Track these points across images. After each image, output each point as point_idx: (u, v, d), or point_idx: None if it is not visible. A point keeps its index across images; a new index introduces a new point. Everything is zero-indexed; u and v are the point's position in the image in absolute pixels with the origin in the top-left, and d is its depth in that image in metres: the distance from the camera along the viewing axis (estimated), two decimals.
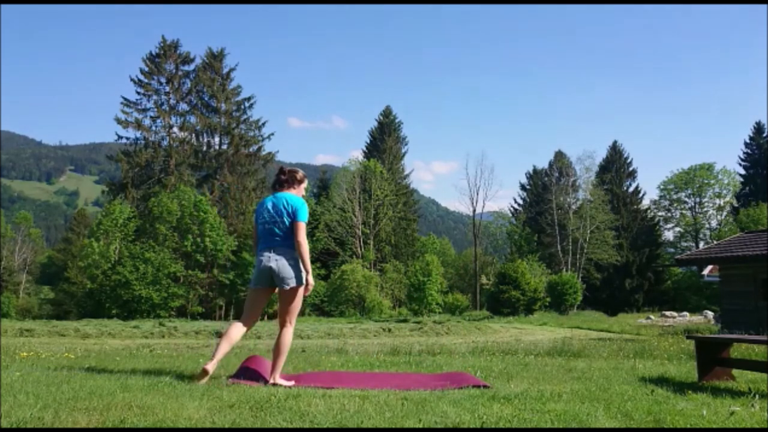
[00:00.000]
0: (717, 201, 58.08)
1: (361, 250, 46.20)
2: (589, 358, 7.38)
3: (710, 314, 34.13)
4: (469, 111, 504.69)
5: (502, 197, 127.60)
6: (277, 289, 4.25)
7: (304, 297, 4.32)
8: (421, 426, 2.72)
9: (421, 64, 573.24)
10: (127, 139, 42.81)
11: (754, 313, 14.74)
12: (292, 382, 4.12)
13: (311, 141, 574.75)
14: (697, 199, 58.44)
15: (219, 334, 20.23)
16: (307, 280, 4.22)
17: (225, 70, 46.03)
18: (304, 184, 4.57)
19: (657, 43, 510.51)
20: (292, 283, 4.17)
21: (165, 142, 43.97)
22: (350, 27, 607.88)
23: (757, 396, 3.66)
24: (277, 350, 4.15)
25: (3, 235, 52.99)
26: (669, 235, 59.93)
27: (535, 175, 57.21)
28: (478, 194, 49.83)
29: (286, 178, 4.48)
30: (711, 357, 4.66)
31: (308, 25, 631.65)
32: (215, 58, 45.77)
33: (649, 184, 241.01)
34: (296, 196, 4.41)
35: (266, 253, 4.21)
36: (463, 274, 57.77)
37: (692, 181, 57.43)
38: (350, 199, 46.46)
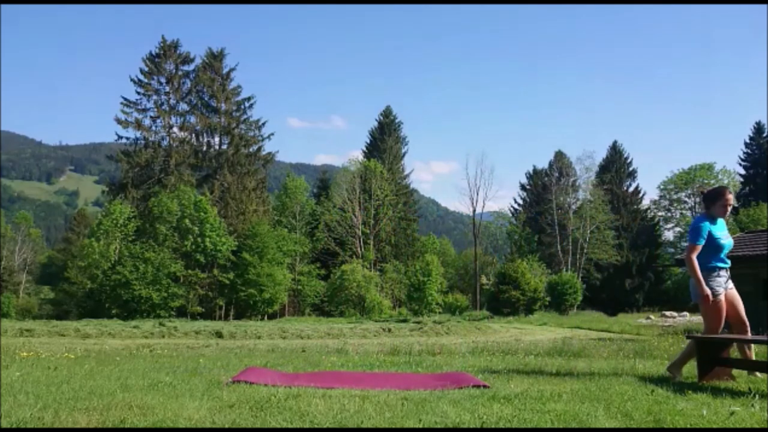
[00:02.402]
0: None
1: (361, 250, 46.21)
2: (589, 358, 7.39)
3: None
4: (469, 111, 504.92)
5: (502, 197, 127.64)
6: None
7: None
8: (421, 426, 2.72)
9: (422, 64, 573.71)
10: (127, 139, 42.88)
11: (754, 313, 14.68)
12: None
13: (311, 141, 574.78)
14: (697, 199, 58.41)
15: (219, 335, 20.23)
16: (701, 292, 4.54)
17: (225, 70, 46.09)
18: (721, 200, 4.71)
19: (657, 44, 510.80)
20: (692, 299, 4.75)
21: (165, 142, 44.02)
22: (350, 27, 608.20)
23: (757, 396, 3.65)
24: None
25: (3, 235, 53.02)
26: (669, 235, 59.98)
27: (535, 175, 57.19)
28: (478, 194, 49.85)
29: (701, 199, 4.95)
30: (711, 357, 4.66)
31: (308, 26, 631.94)
32: (215, 58, 45.79)
33: (649, 184, 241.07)
34: (696, 218, 4.76)
35: None
36: (463, 274, 57.75)
37: (692, 181, 57.41)
38: (350, 199, 46.46)
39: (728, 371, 4.60)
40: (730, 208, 4.73)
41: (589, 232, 48.08)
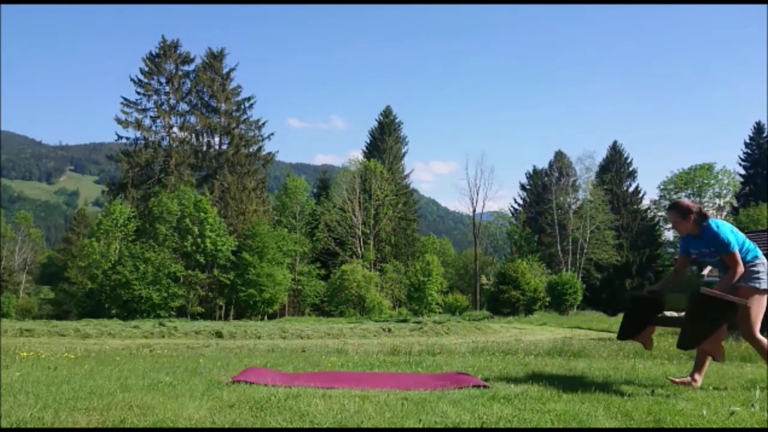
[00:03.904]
0: (717, 201, 58.04)
1: (361, 250, 46.20)
2: (589, 358, 7.39)
3: None
4: (469, 111, 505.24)
5: (502, 197, 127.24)
6: None
7: None
8: (421, 426, 2.72)
9: (421, 64, 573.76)
10: (127, 139, 42.90)
11: None
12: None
13: (311, 141, 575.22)
14: (697, 199, 58.35)
15: (219, 335, 20.24)
16: None
17: (225, 70, 46.10)
18: None
19: (657, 44, 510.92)
20: None
21: (165, 142, 44.03)
22: (350, 27, 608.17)
23: (757, 395, 3.66)
24: None
25: (3, 235, 53.00)
26: (669, 235, 59.87)
27: (535, 175, 57.19)
28: (478, 194, 49.84)
29: None
30: (638, 317, 4.65)
31: (308, 25, 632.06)
32: (215, 58, 45.79)
33: (649, 184, 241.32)
34: None
35: None
36: (463, 274, 57.74)
37: (692, 181, 57.37)
38: (350, 199, 46.46)
39: (648, 335, 4.67)
40: (677, 227, 4.38)
41: (589, 232, 48.08)
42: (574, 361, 6.51)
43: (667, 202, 59.97)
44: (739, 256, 4.06)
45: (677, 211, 4.32)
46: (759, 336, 4.08)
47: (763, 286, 4.07)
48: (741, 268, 4.03)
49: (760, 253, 4.20)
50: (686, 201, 4.33)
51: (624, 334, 4.65)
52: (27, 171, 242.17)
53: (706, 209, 4.36)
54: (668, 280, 4.72)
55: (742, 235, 4.26)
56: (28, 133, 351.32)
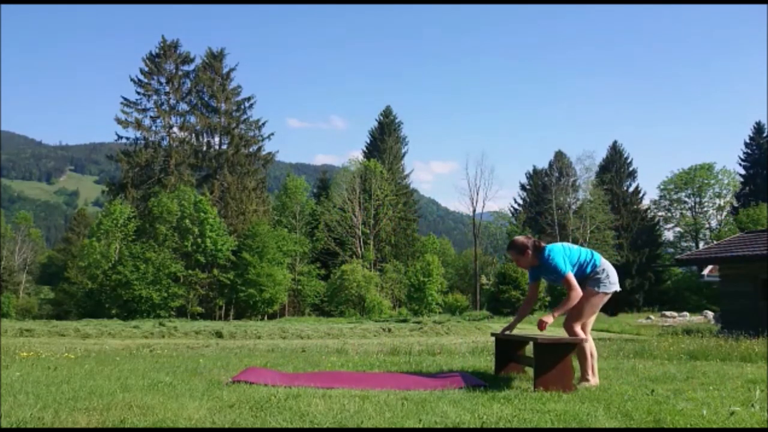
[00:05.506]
0: (717, 201, 58.07)
1: (361, 250, 46.18)
2: None
3: (710, 314, 34.14)
4: (469, 111, 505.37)
5: (502, 197, 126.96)
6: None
7: None
8: (421, 426, 2.72)
9: (422, 63, 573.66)
10: (127, 139, 42.90)
11: (754, 313, 14.72)
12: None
13: (311, 141, 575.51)
14: (697, 199, 58.40)
15: (219, 335, 20.23)
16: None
17: (225, 70, 46.09)
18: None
19: (657, 44, 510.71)
20: None
21: (165, 142, 44.03)
22: (350, 27, 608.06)
23: (757, 395, 3.66)
24: None
25: (3, 235, 52.99)
26: (669, 235, 59.93)
27: (535, 175, 57.18)
28: (478, 194, 49.73)
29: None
30: (507, 353, 5.05)
31: (308, 26, 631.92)
32: (215, 58, 45.79)
33: (649, 184, 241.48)
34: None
35: None
36: (463, 274, 57.72)
37: (692, 181, 57.39)
38: (350, 199, 46.43)
39: (521, 367, 4.98)
40: (518, 263, 4.70)
41: (589, 232, 48.06)
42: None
43: (666, 202, 60.13)
44: (572, 280, 4.40)
45: (514, 249, 4.61)
46: (577, 330, 4.52)
47: (602, 289, 4.50)
48: (576, 292, 4.36)
49: (599, 260, 4.59)
50: (521, 238, 4.63)
51: (497, 368, 5.09)
52: (27, 171, 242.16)
53: (540, 240, 4.59)
54: (521, 312, 5.04)
55: (576, 253, 4.57)
56: (28, 133, 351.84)
